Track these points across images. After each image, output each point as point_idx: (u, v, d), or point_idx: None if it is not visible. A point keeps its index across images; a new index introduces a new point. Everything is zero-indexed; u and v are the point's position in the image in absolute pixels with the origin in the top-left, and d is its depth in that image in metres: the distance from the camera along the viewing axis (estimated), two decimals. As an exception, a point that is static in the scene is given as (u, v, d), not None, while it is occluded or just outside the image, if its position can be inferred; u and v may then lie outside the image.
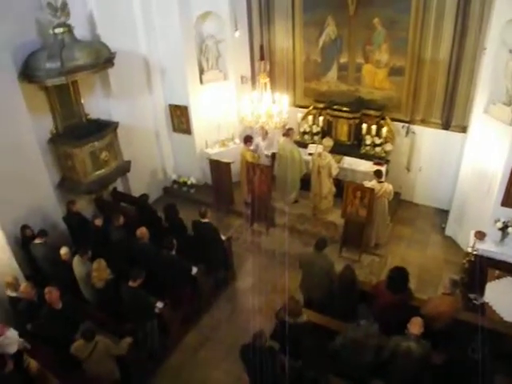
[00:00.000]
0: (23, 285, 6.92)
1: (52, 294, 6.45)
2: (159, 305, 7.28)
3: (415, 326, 5.39)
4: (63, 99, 9.20)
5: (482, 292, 7.28)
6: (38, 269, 8.16)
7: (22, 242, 8.28)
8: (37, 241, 7.98)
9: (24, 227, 8.23)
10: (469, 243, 8.01)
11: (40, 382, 6.23)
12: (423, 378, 5.56)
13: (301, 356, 5.64)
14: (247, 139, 10.35)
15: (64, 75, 8.04)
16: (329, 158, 9.45)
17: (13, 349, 6.25)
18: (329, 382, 5.58)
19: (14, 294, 7.00)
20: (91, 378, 6.27)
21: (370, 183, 8.68)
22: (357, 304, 5.96)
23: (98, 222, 8.45)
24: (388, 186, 8.68)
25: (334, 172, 9.51)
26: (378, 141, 9.99)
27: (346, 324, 6.02)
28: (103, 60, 8.63)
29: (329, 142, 9.54)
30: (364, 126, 10.08)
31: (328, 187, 9.68)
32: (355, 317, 5.73)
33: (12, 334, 6.45)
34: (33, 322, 6.64)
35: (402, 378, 5.56)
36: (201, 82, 11.03)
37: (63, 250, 7.64)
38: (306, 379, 5.35)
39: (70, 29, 8.21)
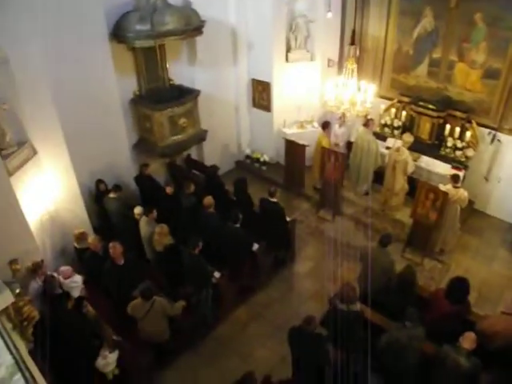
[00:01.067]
0: (91, 237, 7.22)
1: (116, 248, 6.71)
2: (216, 275, 7.42)
3: (468, 340, 5.21)
4: (149, 62, 9.44)
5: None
6: (108, 222, 8.51)
7: (96, 196, 8.66)
8: (111, 195, 8.33)
9: (99, 181, 8.60)
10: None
11: (95, 328, 6.52)
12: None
13: (348, 347, 5.61)
14: (325, 125, 10.24)
15: (153, 38, 8.26)
16: (406, 154, 9.18)
17: (76, 293, 6.61)
18: (370, 380, 5.53)
19: (80, 246, 7.31)
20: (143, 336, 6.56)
21: (445, 187, 8.35)
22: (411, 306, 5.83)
23: (169, 190, 8.64)
24: (463, 193, 8.32)
25: (410, 169, 9.23)
26: (459, 144, 9.55)
27: (393, 323, 5.94)
28: (192, 27, 8.73)
29: (409, 137, 9.27)
30: (448, 126, 9.67)
31: (401, 184, 9.42)
32: (403, 318, 5.64)
33: (78, 278, 6.84)
34: (96, 273, 6.93)
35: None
36: (286, 60, 10.94)
37: (137, 210, 7.87)
38: (349, 372, 5.31)
39: (163, -7, 8.36)
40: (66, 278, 6.68)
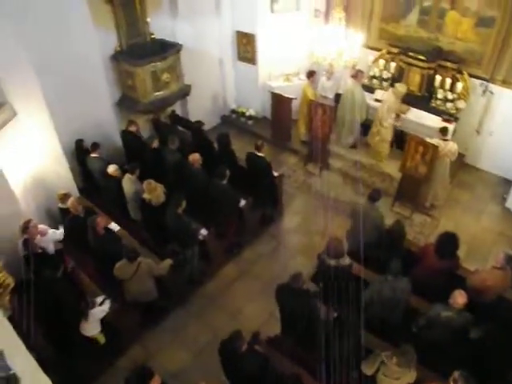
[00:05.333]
0: (71, 199, 6.99)
1: (101, 223, 6.61)
2: (203, 232, 7.32)
3: (458, 298, 5.13)
4: (129, 16, 9.06)
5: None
6: (93, 182, 8.38)
7: (77, 156, 8.46)
8: (92, 154, 8.10)
9: (79, 141, 8.37)
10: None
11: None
12: (458, 351, 5.32)
13: (338, 303, 5.55)
14: (310, 74, 10.02)
15: (130, -11, 7.87)
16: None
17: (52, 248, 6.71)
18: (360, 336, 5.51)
19: (64, 206, 7.17)
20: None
21: (434, 140, 8.19)
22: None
23: (155, 144, 8.44)
24: (453, 146, 8.16)
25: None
26: (450, 96, 9.31)
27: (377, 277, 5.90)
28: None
29: (402, 87, 8.99)
30: (438, 78, 9.41)
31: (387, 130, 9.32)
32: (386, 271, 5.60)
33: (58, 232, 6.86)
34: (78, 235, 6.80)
35: (436, 347, 5.35)
36: (272, 10, 10.52)
37: (111, 169, 7.67)
38: (339, 329, 5.27)
39: None
40: (43, 235, 6.64)
